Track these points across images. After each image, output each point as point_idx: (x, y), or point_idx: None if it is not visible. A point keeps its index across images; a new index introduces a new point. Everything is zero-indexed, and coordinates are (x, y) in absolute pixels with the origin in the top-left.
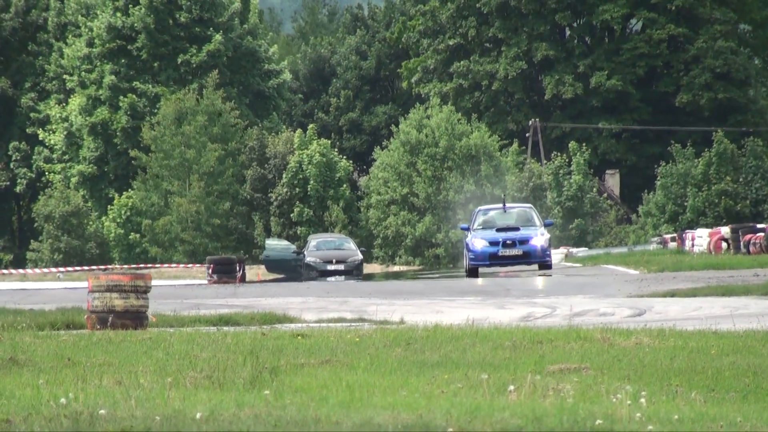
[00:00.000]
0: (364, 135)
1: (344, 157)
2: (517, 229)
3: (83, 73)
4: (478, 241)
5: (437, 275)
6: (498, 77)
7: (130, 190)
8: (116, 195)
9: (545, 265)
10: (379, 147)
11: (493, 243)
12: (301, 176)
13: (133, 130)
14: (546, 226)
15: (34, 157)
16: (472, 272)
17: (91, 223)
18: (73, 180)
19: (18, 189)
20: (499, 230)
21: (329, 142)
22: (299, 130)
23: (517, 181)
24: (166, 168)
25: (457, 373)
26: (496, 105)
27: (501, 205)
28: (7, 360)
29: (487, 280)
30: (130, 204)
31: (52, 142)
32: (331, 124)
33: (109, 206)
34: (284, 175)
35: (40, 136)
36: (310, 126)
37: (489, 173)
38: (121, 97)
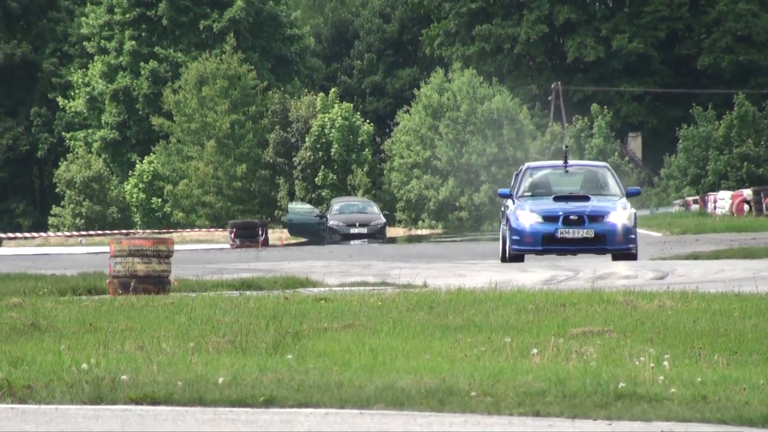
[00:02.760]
0: (387, 98)
1: (367, 120)
2: (585, 198)
3: (103, 40)
4: (525, 215)
5: (459, 239)
6: (520, 41)
7: (151, 154)
8: (138, 160)
9: (627, 253)
10: (401, 110)
11: (549, 218)
12: (324, 140)
13: (155, 96)
14: (629, 195)
15: (55, 122)
16: (516, 259)
17: (112, 188)
18: (95, 145)
19: (39, 154)
20: (558, 199)
21: (351, 105)
22: (321, 94)
23: (539, 144)
24: (186, 132)
25: (480, 336)
26: (518, 68)
27: (561, 162)
28: (29, 325)
29: None
30: (151, 169)
31: (72, 109)
32: (354, 87)
33: (130, 171)
34: (307, 139)
35: (60, 103)
36: (332, 89)
37: (511, 137)
38: (142, 63)
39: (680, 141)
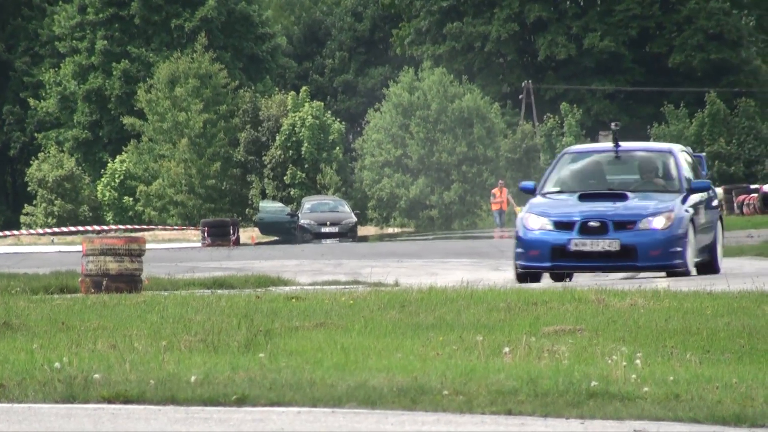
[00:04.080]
0: (359, 97)
1: (338, 119)
2: (622, 196)
3: (74, 41)
4: (532, 220)
5: (431, 237)
6: (491, 39)
7: (123, 154)
8: (110, 159)
9: (672, 269)
10: (372, 109)
11: (562, 225)
12: (294, 139)
13: (127, 96)
14: (694, 191)
15: (27, 121)
16: (526, 279)
17: (84, 187)
18: (67, 144)
19: (11, 153)
20: (585, 197)
21: (322, 104)
22: (292, 93)
23: (509, 142)
24: (159, 131)
25: (452, 335)
26: (489, 67)
27: (611, 145)
28: (1, 324)
29: (481, 241)
30: (123, 168)
31: (43, 109)
32: (326, 86)
33: (102, 171)
34: (277, 138)
35: (31, 104)
36: (303, 88)
37: (482, 135)
38: (114, 63)
39: (651, 139)
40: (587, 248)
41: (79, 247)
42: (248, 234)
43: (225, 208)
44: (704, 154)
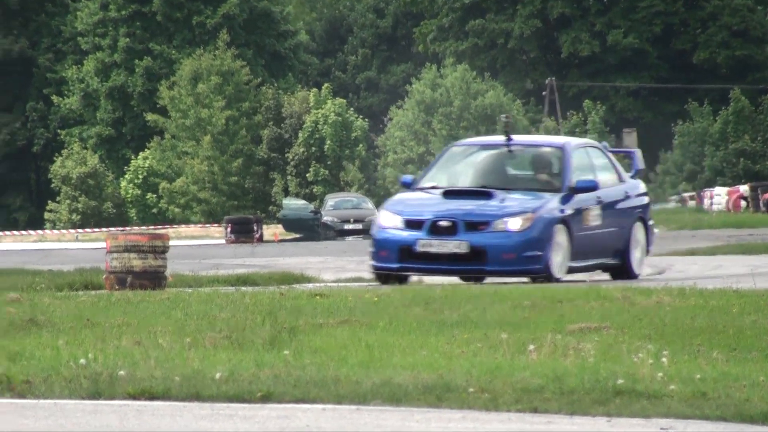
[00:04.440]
0: (382, 94)
1: (361, 116)
2: (488, 195)
3: (97, 38)
4: (386, 217)
5: None
6: (513, 36)
7: (146, 151)
8: (133, 156)
9: (531, 275)
10: (394, 106)
11: (413, 223)
12: (317, 136)
13: (149, 93)
14: (580, 191)
15: (50, 117)
16: (383, 279)
17: (107, 184)
18: (90, 141)
19: (35, 149)
20: (449, 194)
21: (345, 101)
22: (314, 90)
23: None
24: (181, 128)
25: (477, 332)
26: (512, 64)
27: (502, 139)
28: (27, 321)
29: None
30: (146, 165)
31: (66, 106)
32: (348, 82)
33: (125, 167)
34: (300, 135)
35: (54, 101)
36: (325, 85)
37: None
38: (137, 61)
39: (676, 136)
40: (434, 249)
41: (103, 244)
42: (271, 231)
43: (248, 205)
44: (637, 150)
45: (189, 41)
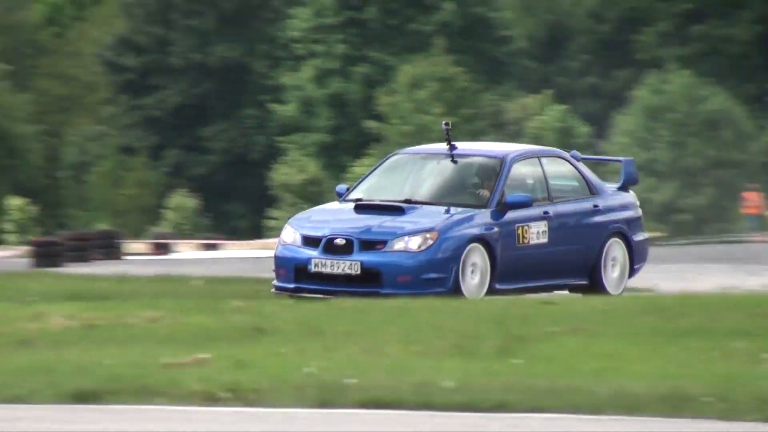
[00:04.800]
0: (604, 99)
1: (583, 122)
2: (399, 210)
3: (311, 44)
4: (287, 233)
5: (684, 242)
6: (736, 41)
7: (363, 157)
8: (350, 163)
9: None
10: (617, 112)
11: (310, 241)
12: (539, 142)
13: (367, 99)
14: (511, 207)
15: (270, 124)
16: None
17: (328, 191)
18: (310, 149)
19: (253, 156)
20: (360, 209)
21: (566, 107)
22: (537, 95)
23: (761, 145)
24: (400, 135)
25: (711, 341)
26: (736, 69)
27: (445, 147)
28: (252, 329)
29: (736, 246)
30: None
31: (283, 113)
32: (569, 88)
33: (343, 174)
34: (522, 142)
35: (272, 108)
36: (546, 91)
37: (731, 138)
38: (353, 67)
39: None
40: (327, 270)
41: None
42: None
43: None
44: (630, 159)
45: (405, 47)
